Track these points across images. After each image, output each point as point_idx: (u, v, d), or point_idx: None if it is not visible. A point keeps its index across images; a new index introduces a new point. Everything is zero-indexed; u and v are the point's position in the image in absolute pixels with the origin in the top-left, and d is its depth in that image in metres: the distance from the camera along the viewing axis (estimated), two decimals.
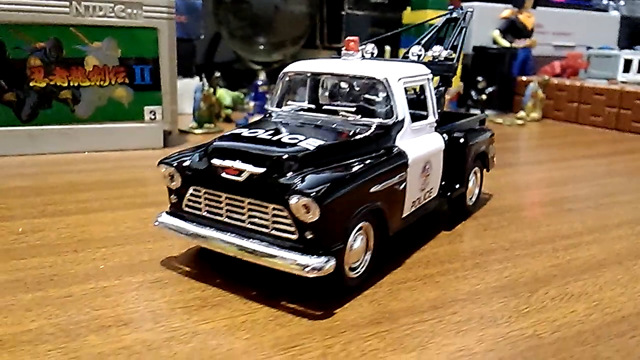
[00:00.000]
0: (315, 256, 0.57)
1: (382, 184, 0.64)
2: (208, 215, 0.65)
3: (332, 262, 0.57)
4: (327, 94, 0.79)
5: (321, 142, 0.63)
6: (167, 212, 0.69)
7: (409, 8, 2.22)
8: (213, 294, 0.63)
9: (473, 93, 2.14)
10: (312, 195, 0.55)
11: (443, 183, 0.83)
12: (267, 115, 0.79)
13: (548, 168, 1.37)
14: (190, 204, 0.67)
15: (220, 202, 0.63)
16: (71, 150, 1.28)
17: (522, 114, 2.15)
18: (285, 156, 0.60)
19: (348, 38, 0.78)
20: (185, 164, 0.66)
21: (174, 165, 0.66)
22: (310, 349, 0.53)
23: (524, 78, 2.27)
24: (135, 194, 1.02)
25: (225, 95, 1.82)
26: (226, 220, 0.64)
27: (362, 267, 0.66)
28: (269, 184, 0.59)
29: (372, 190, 0.63)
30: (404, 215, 0.73)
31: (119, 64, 1.30)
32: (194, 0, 1.90)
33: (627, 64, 2.22)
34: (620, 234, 0.88)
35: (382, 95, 0.71)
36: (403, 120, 0.72)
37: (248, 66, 2.21)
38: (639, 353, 0.55)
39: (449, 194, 0.85)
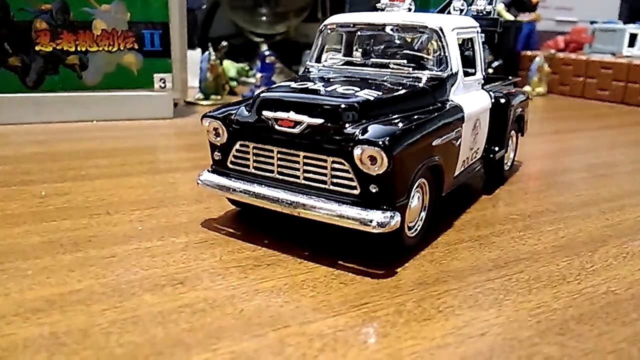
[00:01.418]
0: (379, 211, 0.54)
1: (443, 138, 0.61)
2: (257, 171, 0.61)
3: (398, 218, 0.54)
4: (375, 47, 0.75)
5: (379, 93, 0.60)
6: (209, 170, 0.65)
7: None
8: (265, 253, 0.60)
9: None
10: (380, 144, 0.52)
11: (486, 145, 0.80)
12: (306, 70, 0.75)
13: (567, 138, 1.35)
14: (237, 160, 0.63)
15: (272, 157, 0.60)
16: (79, 119, 1.22)
17: (527, 88, 2.12)
18: (344, 105, 0.56)
19: None
20: (232, 117, 0.61)
21: (220, 118, 0.62)
22: (383, 306, 0.50)
23: (528, 52, 2.24)
24: (156, 160, 0.98)
25: (230, 67, 1.76)
26: (278, 176, 0.60)
27: (419, 226, 0.62)
28: (328, 136, 0.55)
29: (434, 143, 0.59)
30: (455, 174, 0.70)
31: (128, 28, 1.24)
32: None
33: (632, 39, 2.21)
34: None
35: (436, 46, 0.67)
36: (457, 73, 0.68)
37: (247, 39, 2.15)
38: None
39: (491, 155, 0.82)
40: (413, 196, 0.60)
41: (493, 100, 0.78)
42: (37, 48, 1.16)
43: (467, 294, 0.53)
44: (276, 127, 0.58)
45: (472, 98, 0.71)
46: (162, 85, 1.31)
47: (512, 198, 0.84)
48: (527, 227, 0.71)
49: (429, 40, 0.68)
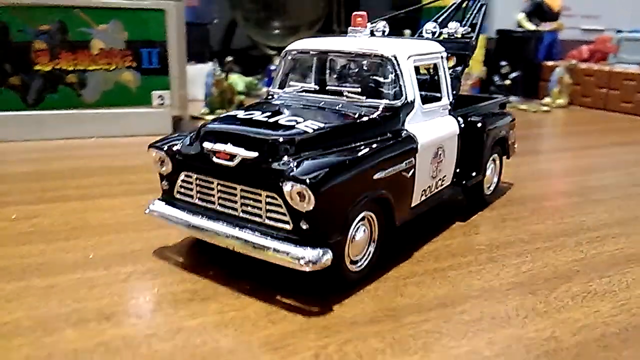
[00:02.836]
0: (310, 248, 0.53)
1: (387, 171, 0.59)
2: (200, 202, 0.61)
3: (329, 255, 0.53)
4: (333, 74, 0.74)
5: (321, 125, 0.59)
6: (159, 199, 0.65)
7: None
8: (204, 286, 0.59)
9: (496, 78, 2.06)
10: (307, 181, 0.51)
11: (458, 170, 0.78)
12: (269, 96, 0.74)
13: (574, 156, 1.30)
14: (182, 190, 0.63)
15: (212, 189, 0.59)
16: (78, 136, 1.25)
17: (547, 100, 2.06)
18: (281, 139, 0.55)
19: (355, 13, 0.73)
20: (175, 148, 0.62)
21: (164, 149, 0.62)
22: (302, 349, 0.48)
23: (549, 63, 2.17)
24: (138, 180, 0.99)
25: (238, 80, 1.77)
26: (218, 208, 0.59)
27: (365, 260, 0.61)
28: (262, 170, 0.55)
29: (375, 177, 0.58)
30: (413, 205, 0.68)
31: (125, 47, 1.26)
32: None
33: None
34: None
35: (390, 74, 0.66)
36: (413, 101, 0.66)
37: (264, 52, 2.16)
38: None
39: (464, 182, 0.79)
40: (357, 230, 0.58)
41: (463, 125, 0.76)
42: (36, 68, 1.20)
43: (397, 336, 0.51)
44: (214, 159, 0.57)
45: (432, 125, 0.69)
46: (161, 102, 1.33)
47: (486, 225, 0.81)
48: (490, 260, 0.69)
49: (384, 68, 0.66)
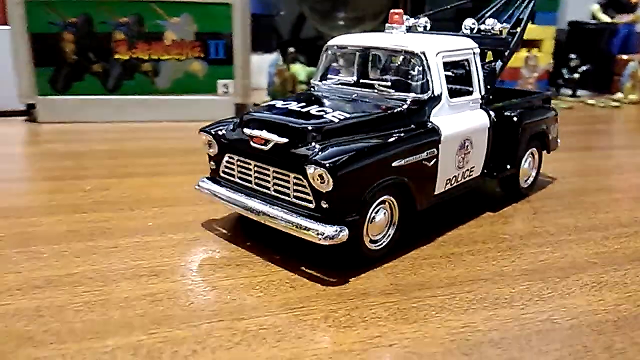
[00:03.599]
0: (329, 225, 0.59)
1: (407, 159, 0.64)
2: (240, 181, 0.69)
3: (345, 232, 0.59)
4: (368, 68, 0.79)
5: (347, 115, 0.65)
6: (207, 178, 0.74)
7: None
8: (241, 254, 0.67)
9: (565, 71, 2.01)
10: (326, 165, 0.57)
11: (489, 162, 0.81)
12: (311, 88, 0.81)
13: (630, 154, 1.27)
14: (226, 170, 0.71)
15: (250, 170, 0.67)
16: (151, 119, 1.37)
17: (619, 95, 1.99)
18: (309, 127, 0.62)
19: (392, 10, 0.78)
20: (221, 132, 0.70)
21: (212, 133, 0.70)
22: (315, 312, 0.55)
23: (624, 57, 2.09)
24: (198, 161, 1.08)
25: (300, 70, 1.85)
26: (255, 187, 0.67)
27: (385, 240, 0.67)
28: (290, 154, 0.62)
29: (394, 164, 0.63)
30: (436, 192, 0.72)
31: (195, 38, 1.37)
32: None
33: None
34: None
35: (418, 69, 0.70)
36: (440, 95, 0.71)
37: None
38: None
39: (495, 174, 0.83)
40: (377, 212, 0.64)
41: (495, 119, 0.79)
42: (116, 56, 1.33)
43: (401, 307, 0.57)
44: (251, 143, 0.65)
45: (459, 118, 0.73)
46: (225, 90, 1.43)
47: (516, 217, 0.84)
48: (510, 248, 0.72)
49: (413, 64, 0.71)
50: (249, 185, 0.68)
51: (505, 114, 0.84)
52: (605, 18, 2.15)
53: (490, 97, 0.83)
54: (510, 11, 0.92)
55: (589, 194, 0.96)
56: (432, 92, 0.70)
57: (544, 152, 0.95)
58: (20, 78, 1.29)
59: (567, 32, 2.14)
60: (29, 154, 1.16)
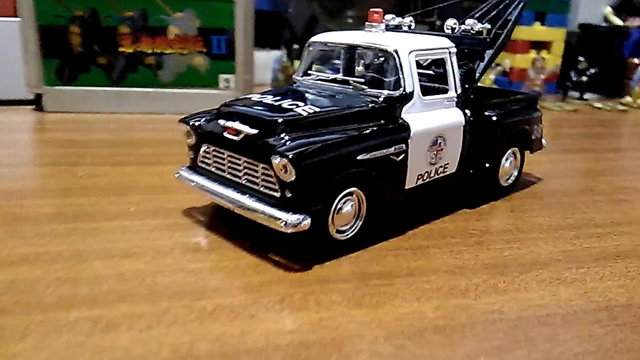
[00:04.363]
0: (292, 214, 0.62)
1: (373, 153, 0.66)
2: (215, 170, 0.72)
3: (307, 221, 0.61)
4: (346, 64, 0.82)
5: (317, 110, 0.67)
6: (186, 167, 0.77)
7: None
8: (212, 240, 0.70)
9: (572, 74, 2.00)
10: (289, 156, 0.60)
11: (467, 160, 0.83)
12: (293, 83, 0.83)
13: (625, 157, 1.28)
14: (203, 159, 0.74)
15: (224, 159, 0.70)
16: (153, 111, 1.41)
17: (628, 99, 1.98)
18: (278, 120, 0.64)
19: (372, 10, 0.80)
20: (198, 123, 0.73)
21: (190, 124, 0.73)
22: (272, 294, 0.58)
23: (635, 60, 2.07)
24: None
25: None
26: (228, 176, 0.70)
27: (352, 230, 0.69)
28: (259, 145, 0.64)
29: (359, 157, 0.65)
30: (407, 187, 0.74)
31: (198, 33, 1.40)
32: None
33: None
34: None
35: (391, 66, 0.72)
36: (412, 93, 0.73)
37: None
38: (601, 342, 0.53)
39: (471, 171, 0.84)
40: (345, 203, 0.67)
41: (471, 117, 0.81)
42: (120, 49, 1.37)
43: (357, 294, 0.59)
44: (225, 134, 0.68)
45: (432, 116, 0.75)
46: (226, 84, 1.46)
47: (491, 214, 0.85)
48: (477, 243, 0.74)
49: (386, 61, 0.73)
50: (223, 174, 0.71)
51: (485, 113, 0.85)
52: (618, 21, 2.14)
53: (471, 96, 0.85)
54: (497, 12, 0.94)
55: (571, 194, 0.97)
56: (404, 90, 0.72)
57: (530, 153, 0.96)
58: (28, 68, 1.34)
59: (578, 35, 2.13)
60: (32, 141, 1.21)
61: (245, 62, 1.47)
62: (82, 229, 0.72)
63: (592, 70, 1.99)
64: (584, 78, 1.99)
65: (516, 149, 0.93)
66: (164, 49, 1.40)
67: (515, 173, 0.95)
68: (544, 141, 1.01)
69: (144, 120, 1.35)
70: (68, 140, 1.16)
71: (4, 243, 0.66)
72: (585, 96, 2.00)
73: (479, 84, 0.90)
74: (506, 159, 0.91)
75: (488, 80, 1.97)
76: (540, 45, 2.08)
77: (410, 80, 0.72)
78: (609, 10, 2.15)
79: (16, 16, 1.32)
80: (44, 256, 0.64)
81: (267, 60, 1.85)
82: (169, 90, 1.43)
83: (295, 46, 1.68)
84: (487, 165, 0.87)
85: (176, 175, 0.77)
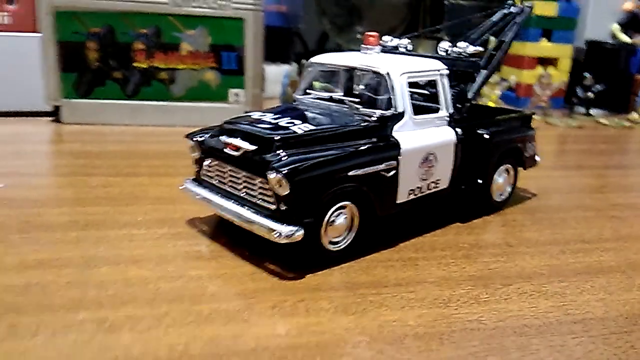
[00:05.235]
0: (286, 225, 0.66)
1: (364, 169, 0.70)
2: (217, 183, 0.77)
3: (300, 233, 0.66)
4: (343, 84, 0.86)
5: (313, 128, 0.71)
6: (192, 179, 0.82)
7: None
8: (214, 249, 0.75)
9: (578, 90, 2.02)
10: (283, 172, 0.64)
11: (459, 176, 0.86)
12: (293, 101, 0.88)
13: (624, 174, 1.30)
14: (206, 173, 0.78)
15: (225, 173, 0.74)
16: (165, 124, 1.47)
17: (634, 115, 2.00)
18: (276, 137, 0.69)
19: (367, 33, 0.84)
20: (202, 138, 0.78)
21: (194, 139, 0.78)
22: (265, 301, 0.62)
23: None
24: None
25: (316, 83, 1.92)
26: (228, 189, 0.75)
27: (345, 242, 0.73)
28: (257, 160, 0.69)
29: (350, 173, 0.69)
30: (399, 201, 0.78)
31: (209, 50, 1.46)
32: None
33: None
34: None
35: (384, 87, 0.77)
36: (403, 112, 0.77)
37: None
38: (571, 352, 0.56)
39: (462, 187, 0.88)
40: (338, 216, 0.71)
41: (462, 135, 0.84)
42: (135, 64, 1.43)
43: (345, 302, 0.63)
44: (226, 150, 0.73)
45: (423, 134, 0.79)
46: (236, 98, 1.52)
47: (482, 228, 0.88)
48: (465, 256, 0.77)
49: (379, 83, 0.77)
50: (224, 187, 0.75)
51: (478, 131, 0.89)
52: (625, 38, 2.16)
53: (465, 114, 0.88)
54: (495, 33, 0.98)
55: (564, 210, 0.99)
56: (396, 109, 0.76)
57: (524, 169, 1.00)
58: (47, 82, 1.41)
59: (585, 51, 2.16)
60: (49, 152, 1.27)
61: (254, 77, 1.52)
62: (93, 237, 0.77)
63: (598, 87, 2.01)
64: (590, 94, 2.01)
65: (509, 165, 0.96)
66: (177, 65, 1.45)
67: (509, 189, 0.98)
68: (537, 158, 1.04)
69: (157, 133, 1.41)
70: (83, 151, 1.21)
71: (20, 249, 0.72)
72: (592, 112, 2.02)
73: (478, 103, 0.94)
74: (499, 175, 0.94)
75: (494, 95, 2.01)
76: (547, 62, 2.11)
77: (402, 101, 0.76)
78: (616, 27, 2.17)
79: (36, 32, 1.39)
80: (56, 261, 0.69)
81: (278, 75, 1.90)
82: (181, 104, 1.48)
83: (304, 61, 1.73)
84: (479, 181, 0.90)
85: (181, 188, 0.82)
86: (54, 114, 1.46)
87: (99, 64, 1.42)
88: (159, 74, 1.45)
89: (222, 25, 1.45)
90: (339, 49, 2.37)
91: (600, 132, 1.80)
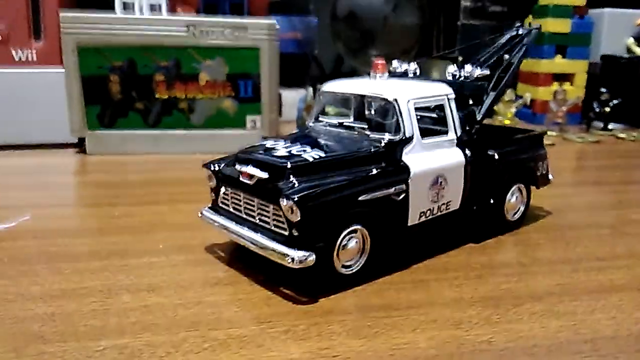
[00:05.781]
0: (299, 250, 0.68)
1: (373, 194, 0.72)
2: (233, 211, 0.79)
3: (312, 257, 0.68)
4: (353, 110, 0.89)
5: (323, 155, 0.74)
6: (209, 207, 0.85)
7: (530, 16, 2.17)
8: (231, 275, 0.77)
9: (595, 105, 2.02)
10: (295, 199, 0.66)
11: (471, 197, 0.87)
12: (306, 129, 0.91)
13: None
14: (223, 200, 0.81)
15: (240, 201, 0.77)
16: (185, 152, 1.51)
17: None
18: (288, 165, 0.72)
19: (375, 61, 0.87)
20: (218, 168, 0.81)
21: (211, 168, 0.81)
22: (279, 325, 0.64)
23: None
24: None
25: (329, 109, 1.96)
26: (244, 216, 0.77)
27: (358, 265, 0.75)
28: (270, 188, 0.71)
29: (361, 198, 0.71)
30: (410, 224, 0.80)
31: (226, 79, 1.51)
32: (310, 19, 2.08)
33: None
34: None
35: (392, 113, 0.79)
36: (411, 137, 0.79)
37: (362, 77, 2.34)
38: None
39: (474, 207, 0.89)
40: (350, 239, 0.73)
41: (471, 157, 0.86)
42: (156, 95, 1.49)
43: (357, 325, 0.64)
44: (240, 178, 0.76)
45: (432, 157, 0.81)
46: (253, 125, 1.55)
47: (495, 248, 0.89)
48: (477, 277, 0.78)
49: (387, 109, 0.80)
50: (240, 214, 0.78)
51: (488, 152, 0.91)
52: None
53: (474, 136, 0.90)
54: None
55: (578, 228, 1.00)
56: (404, 134, 0.78)
57: (537, 189, 1.01)
58: (72, 114, 1.46)
59: (601, 66, 2.16)
60: (74, 183, 1.32)
61: (270, 103, 1.56)
62: (114, 266, 0.80)
63: (615, 101, 2.00)
64: (607, 109, 2.00)
65: (521, 185, 0.97)
66: (196, 94, 1.50)
67: (522, 208, 0.99)
68: (550, 176, 1.05)
69: (177, 161, 1.45)
70: (106, 181, 1.26)
71: (45, 279, 0.75)
72: (610, 126, 2.01)
73: (493, 123, 0.95)
74: (512, 195, 0.95)
75: (509, 113, 2.01)
76: (563, 78, 2.12)
77: (410, 125, 0.79)
78: (631, 41, 2.17)
79: (61, 66, 1.45)
80: (80, 290, 0.72)
81: (295, 99, 1.95)
82: (201, 131, 1.53)
83: (319, 85, 1.77)
84: (492, 201, 0.91)
85: (199, 215, 0.85)
86: (80, 145, 1.52)
87: (121, 96, 1.48)
88: (179, 103, 1.50)
89: (239, 54, 1.49)
90: (354, 71, 2.41)
91: (618, 147, 1.80)
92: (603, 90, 2.01)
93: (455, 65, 0.92)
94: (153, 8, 1.50)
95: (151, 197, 1.13)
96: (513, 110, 2.03)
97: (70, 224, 0.99)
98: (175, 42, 1.45)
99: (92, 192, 1.19)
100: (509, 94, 2.03)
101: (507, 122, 2.02)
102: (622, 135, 1.94)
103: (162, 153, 1.51)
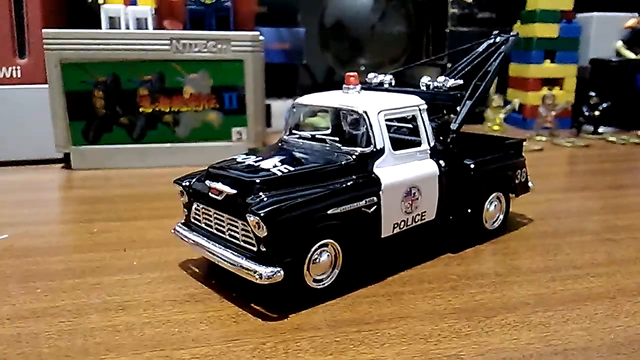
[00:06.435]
0: (267, 266, 0.68)
1: (343, 207, 0.72)
2: (204, 226, 0.79)
3: (280, 273, 0.67)
4: (333, 121, 0.89)
5: (292, 169, 0.73)
6: (181, 223, 0.84)
7: (518, 22, 2.17)
8: (203, 291, 0.76)
9: (585, 109, 2.02)
10: (261, 215, 0.66)
11: (447, 207, 0.87)
12: (279, 142, 0.90)
13: (628, 194, 1.28)
14: (195, 216, 0.81)
15: (211, 217, 0.77)
16: (171, 165, 1.51)
17: None
18: (256, 180, 0.71)
19: (348, 73, 0.86)
20: (189, 184, 0.80)
21: (182, 184, 0.81)
22: (247, 344, 0.63)
23: None
24: None
25: (321, 120, 1.96)
26: (215, 232, 0.77)
27: (330, 280, 0.74)
28: (238, 203, 0.71)
29: (330, 212, 0.71)
30: (384, 235, 0.79)
31: (210, 92, 1.51)
32: (297, 29, 2.08)
33: None
34: None
35: (362, 126, 0.79)
36: (382, 149, 0.78)
37: None
38: None
39: (450, 217, 0.89)
40: (321, 254, 0.72)
41: (445, 167, 0.85)
42: (140, 110, 1.48)
43: (325, 341, 0.64)
44: (209, 194, 0.75)
45: (404, 169, 0.80)
46: (239, 137, 1.55)
47: (473, 258, 0.88)
48: (452, 288, 0.77)
49: (358, 121, 0.79)
50: (211, 229, 0.77)
51: (464, 161, 0.90)
52: (630, 54, 2.16)
53: (450, 146, 0.89)
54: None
55: (558, 235, 0.99)
56: (375, 146, 0.78)
57: (515, 197, 1.00)
58: (56, 130, 1.46)
59: (590, 70, 2.15)
60: (56, 199, 1.32)
61: (255, 114, 1.56)
62: (87, 284, 0.79)
63: (604, 105, 2.00)
64: (596, 113, 2.00)
65: (500, 193, 0.97)
66: (180, 108, 1.50)
67: (502, 216, 0.98)
68: (530, 184, 1.04)
69: (163, 174, 1.45)
70: (89, 197, 1.26)
71: (17, 299, 0.74)
72: (600, 130, 2.01)
73: (471, 131, 0.95)
74: (490, 203, 0.95)
75: (498, 119, 2.01)
76: (552, 82, 2.11)
77: (380, 138, 0.78)
78: (620, 44, 2.17)
79: (45, 83, 1.45)
80: (50, 310, 0.71)
81: (283, 110, 1.95)
82: (186, 144, 1.53)
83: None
84: (469, 210, 0.91)
85: (172, 231, 0.84)
86: (66, 161, 1.52)
87: (105, 111, 1.48)
88: (163, 117, 1.50)
89: (223, 67, 1.49)
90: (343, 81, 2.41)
91: (607, 151, 1.79)
92: (592, 94, 2.01)
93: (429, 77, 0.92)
94: (139, 22, 1.50)
95: (131, 212, 1.13)
96: (502, 116, 2.03)
97: (48, 241, 0.98)
98: (158, 56, 1.46)
99: (73, 208, 1.19)
100: (497, 100, 2.03)
101: (496, 128, 2.01)
102: (612, 138, 1.93)
103: (148, 167, 1.51)
